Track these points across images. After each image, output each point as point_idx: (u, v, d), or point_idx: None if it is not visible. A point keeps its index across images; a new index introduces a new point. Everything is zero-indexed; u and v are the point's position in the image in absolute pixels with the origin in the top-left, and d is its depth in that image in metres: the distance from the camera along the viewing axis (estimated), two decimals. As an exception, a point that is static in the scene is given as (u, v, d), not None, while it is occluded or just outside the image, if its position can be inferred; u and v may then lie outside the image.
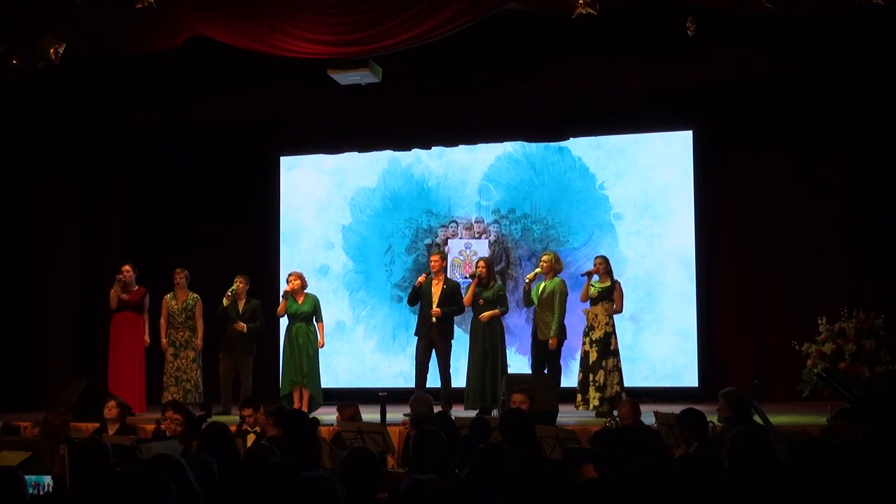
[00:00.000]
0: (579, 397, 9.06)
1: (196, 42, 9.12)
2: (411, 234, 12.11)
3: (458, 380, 9.57)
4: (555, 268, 9.39)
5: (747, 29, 9.08)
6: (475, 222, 11.93)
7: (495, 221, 11.88)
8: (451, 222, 12.01)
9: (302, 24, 8.90)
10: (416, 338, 9.71)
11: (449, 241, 11.92)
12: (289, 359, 9.80)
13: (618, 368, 9.07)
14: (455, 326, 9.78)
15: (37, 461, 5.70)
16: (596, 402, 8.91)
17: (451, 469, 4.86)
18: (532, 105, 10.94)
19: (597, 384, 8.96)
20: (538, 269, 9.45)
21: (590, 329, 9.10)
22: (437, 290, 9.52)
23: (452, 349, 9.62)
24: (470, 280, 9.79)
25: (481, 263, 9.59)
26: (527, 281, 9.47)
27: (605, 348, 9.04)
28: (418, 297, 9.62)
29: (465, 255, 11.87)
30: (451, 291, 9.58)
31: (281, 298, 9.97)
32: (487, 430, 6.09)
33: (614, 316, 9.19)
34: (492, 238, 11.84)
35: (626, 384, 9.15)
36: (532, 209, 11.78)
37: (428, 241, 11.99)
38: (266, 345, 10.92)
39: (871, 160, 10.13)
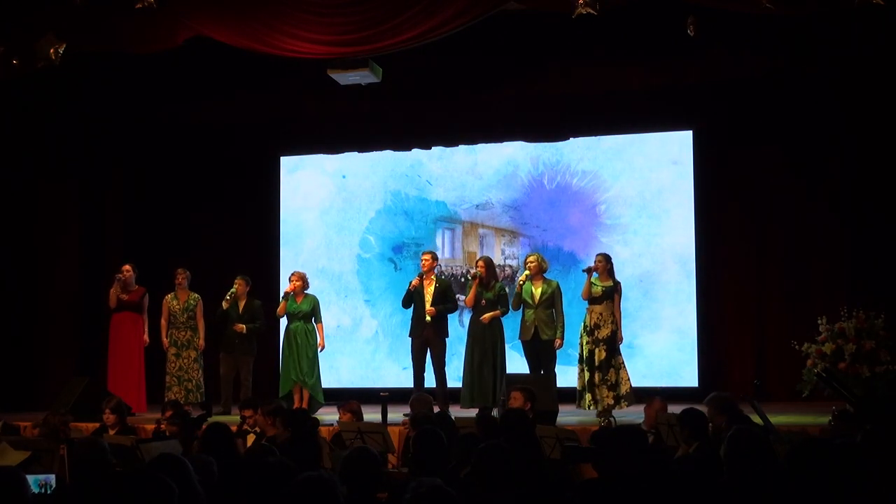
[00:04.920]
0: (589, 397, 8.96)
1: (196, 42, 9.12)
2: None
3: (453, 379, 9.55)
4: (542, 268, 9.38)
5: (747, 29, 9.07)
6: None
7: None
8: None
9: (302, 24, 8.91)
10: (410, 339, 9.64)
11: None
12: (288, 359, 9.79)
13: (624, 366, 9.09)
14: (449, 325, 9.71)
15: (37, 461, 5.71)
16: (611, 401, 8.86)
17: (451, 469, 4.86)
18: (532, 105, 10.93)
19: (608, 382, 8.92)
20: (527, 271, 9.42)
21: (595, 328, 9.06)
22: (429, 289, 9.51)
23: (447, 348, 9.59)
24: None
25: (480, 263, 9.57)
26: (519, 283, 9.45)
27: (613, 346, 9.04)
28: (412, 299, 9.59)
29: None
30: (444, 289, 9.57)
31: (281, 299, 9.98)
32: (494, 427, 6.07)
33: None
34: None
35: (625, 384, 9.18)
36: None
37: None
38: (266, 345, 10.90)
39: (871, 160, 10.13)
